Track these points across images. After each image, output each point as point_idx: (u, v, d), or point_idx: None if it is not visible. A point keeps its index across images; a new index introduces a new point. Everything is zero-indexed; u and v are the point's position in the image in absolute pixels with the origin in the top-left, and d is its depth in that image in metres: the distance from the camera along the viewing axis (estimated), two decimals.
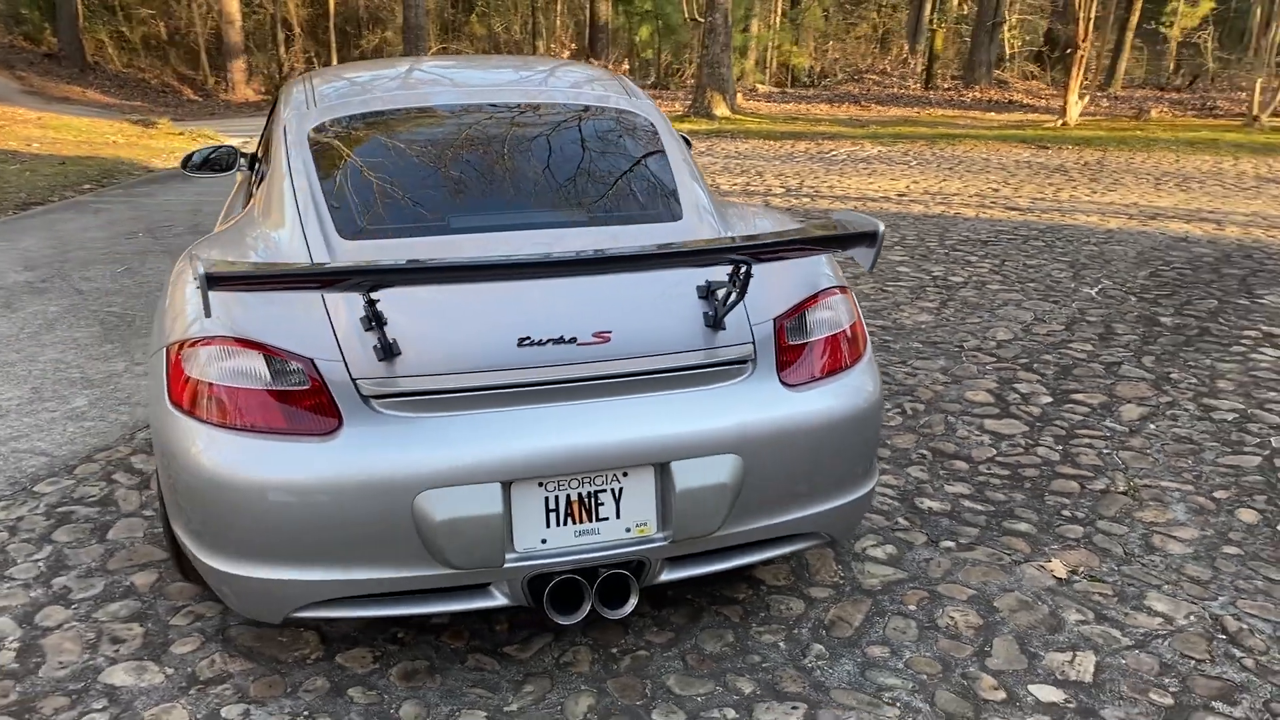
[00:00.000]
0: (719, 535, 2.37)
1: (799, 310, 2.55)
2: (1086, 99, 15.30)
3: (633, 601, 2.35)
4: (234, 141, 9.14)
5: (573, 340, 2.33)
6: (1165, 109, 18.23)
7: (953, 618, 2.72)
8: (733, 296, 2.40)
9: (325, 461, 2.16)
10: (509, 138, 3.09)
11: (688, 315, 2.46)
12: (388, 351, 2.25)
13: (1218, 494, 3.41)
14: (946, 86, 22.96)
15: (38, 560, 2.98)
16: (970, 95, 21.55)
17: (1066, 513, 3.28)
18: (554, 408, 2.27)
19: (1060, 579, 2.90)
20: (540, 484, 2.24)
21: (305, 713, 2.35)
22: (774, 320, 2.51)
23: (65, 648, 2.58)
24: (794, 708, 2.37)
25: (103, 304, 5.59)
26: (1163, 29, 25.04)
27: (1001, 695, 2.42)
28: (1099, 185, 9.71)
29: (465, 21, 33.19)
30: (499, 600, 2.33)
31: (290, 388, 2.24)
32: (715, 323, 2.43)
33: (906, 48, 26.56)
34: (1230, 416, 4.04)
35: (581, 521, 2.28)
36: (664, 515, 2.32)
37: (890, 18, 31.46)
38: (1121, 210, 8.37)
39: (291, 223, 2.70)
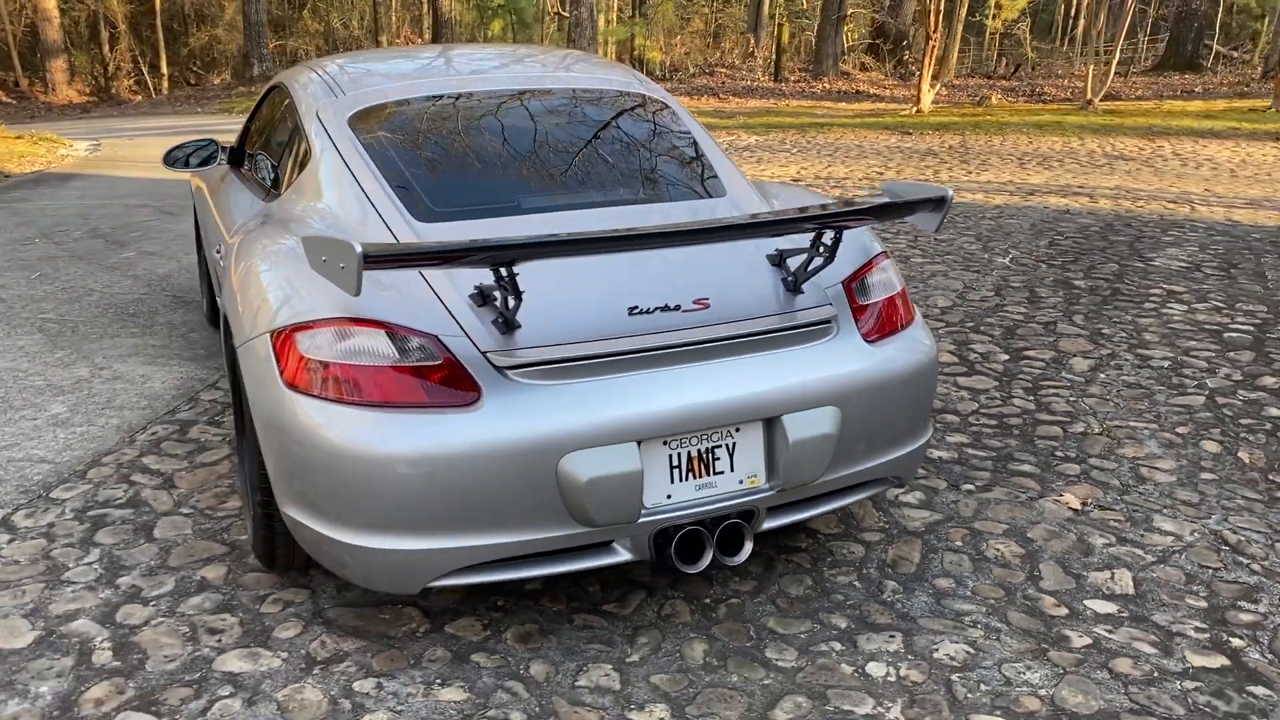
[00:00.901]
0: (819, 482, 2.56)
1: (860, 274, 2.76)
2: (939, 87, 16.16)
3: (748, 548, 2.51)
4: (211, 137, 8.70)
5: (677, 307, 2.48)
6: (1000, 96, 19.39)
7: (998, 549, 2.98)
8: (816, 261, 2.58)
9: (471, 431, 2.24)
10: (548, 121, 3.19)
11: (769, 281, 2.63)
12: (509, 325, 2.34)
13: (1180, 430, 3.80)
14: (795, 79, 23.75)
15: (90, 563, 2.91)
16: (820, 86, 22.36)
17: (1060, 454, 3.61)
18: (672, 370, 2.40)
19: (1076, 510, 3.21)
20: (665, 443, 2.37)
21: (437, 680, 2.41)
22: (842, 284, 2.71)
23: (164, 642, 2.55)
24: (891, 636, 2.58)
25: (34, 311, 5.34)
26: (985, 21, 26.53)
27: (1064, 611, 2.69)
28: (970, 166, 10.33)
29: (297, 18, 32.22)
30: (622, 556, 2.44)
31: (421, 363, 2.30)
32: (795, 287, 2.61)
33: (754, 41, 27.29)
34: (1165, 364, 4.49)
35: (700, 476, 2.42)
36: (771, 466, 2.48)
37: (721, 12, 32.18)
38: (1000, 188, 8.96)
39: (362, 208, 2.74)
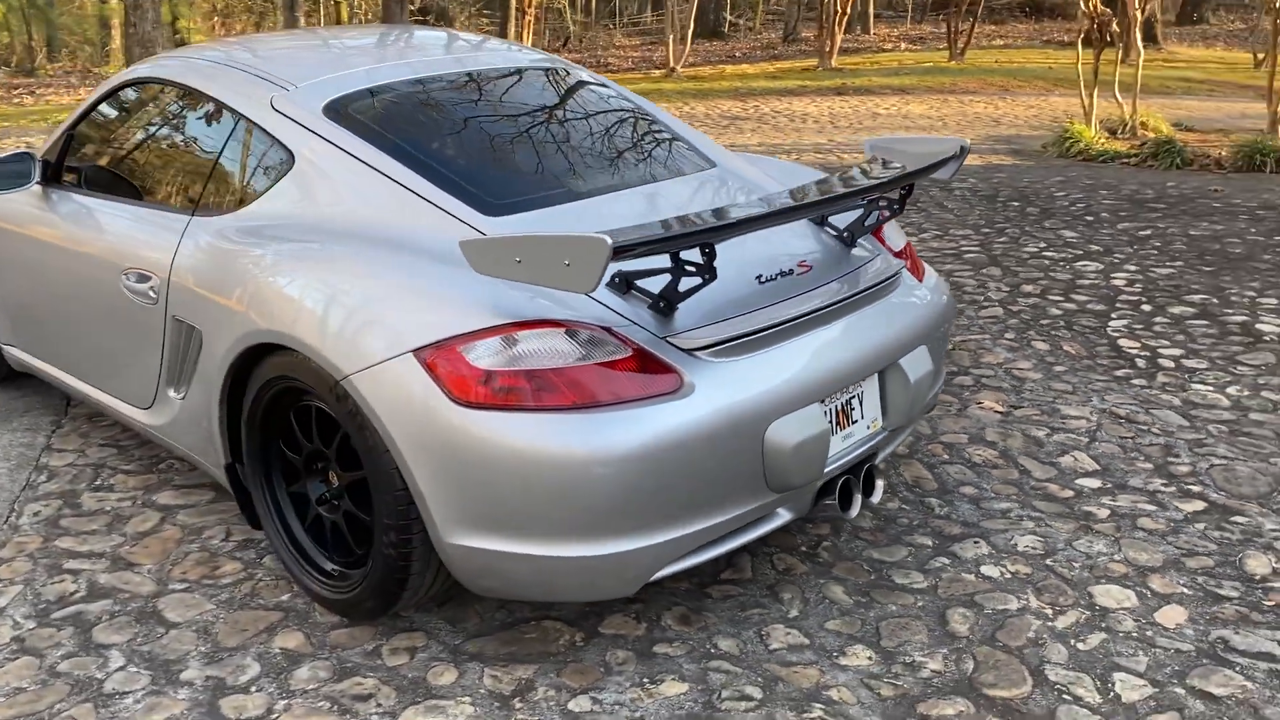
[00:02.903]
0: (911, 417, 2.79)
1: (881, 228, 3.00)
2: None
3: (881, 483, 2.68)
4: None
5: (790, 272, 2.58)
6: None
7: (979, 455, 3.40)
8: (874, 218, 2.80)
9: (685, 416, 2.20)
10: (533, 104, 3.10)
11: (831, 241, 2.80)
12: (670, 307, 2.32)
13: (1008, 336, 4.49)
14: None
15: (122, 668, 2.41)
16: None
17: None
18: (820, 332, 2.50)
19: (1002, 413, 3.73)
20: (823, 401, 2.48)
21: (645, 680, 2.35)
22: (875, 237, 2.95)
23: None
24: (976, 542, 2.89)
25: None
26: None
27: (1070, 493, 3.16)
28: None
29: None
30: (784, 518, 2.52)
31: (613, 356, 2.21)
32: (852, 243, 2.81)
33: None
34: None
35: (844, 427, 2.56)
36: (885, 409, 2.67)
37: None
38: (843, 148, 9.52)
39: (414, 210, 2.52)
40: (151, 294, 2.83)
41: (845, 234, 2.80)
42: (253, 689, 2.34)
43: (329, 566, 2.57)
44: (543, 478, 2.14)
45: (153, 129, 3.19)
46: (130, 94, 3.28)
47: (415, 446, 2.20)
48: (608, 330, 2.25)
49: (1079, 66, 9.52)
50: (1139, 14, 9.49)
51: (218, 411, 2.66)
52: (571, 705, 2.27)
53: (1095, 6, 9.12)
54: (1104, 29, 9.09)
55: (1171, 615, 2.57)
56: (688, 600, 2.64)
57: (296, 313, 2.38)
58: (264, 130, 2.78)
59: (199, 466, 2.97)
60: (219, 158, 2.89)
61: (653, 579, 2.29)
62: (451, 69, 3.12)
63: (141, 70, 3.24)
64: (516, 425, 2.14)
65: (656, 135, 3.17)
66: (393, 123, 2.80)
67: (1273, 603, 2.62)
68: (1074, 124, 9.16)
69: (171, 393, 2.93)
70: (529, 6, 14.18)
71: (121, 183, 3.20)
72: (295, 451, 2.60)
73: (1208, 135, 9.77)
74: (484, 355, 2.18)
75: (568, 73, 3.36)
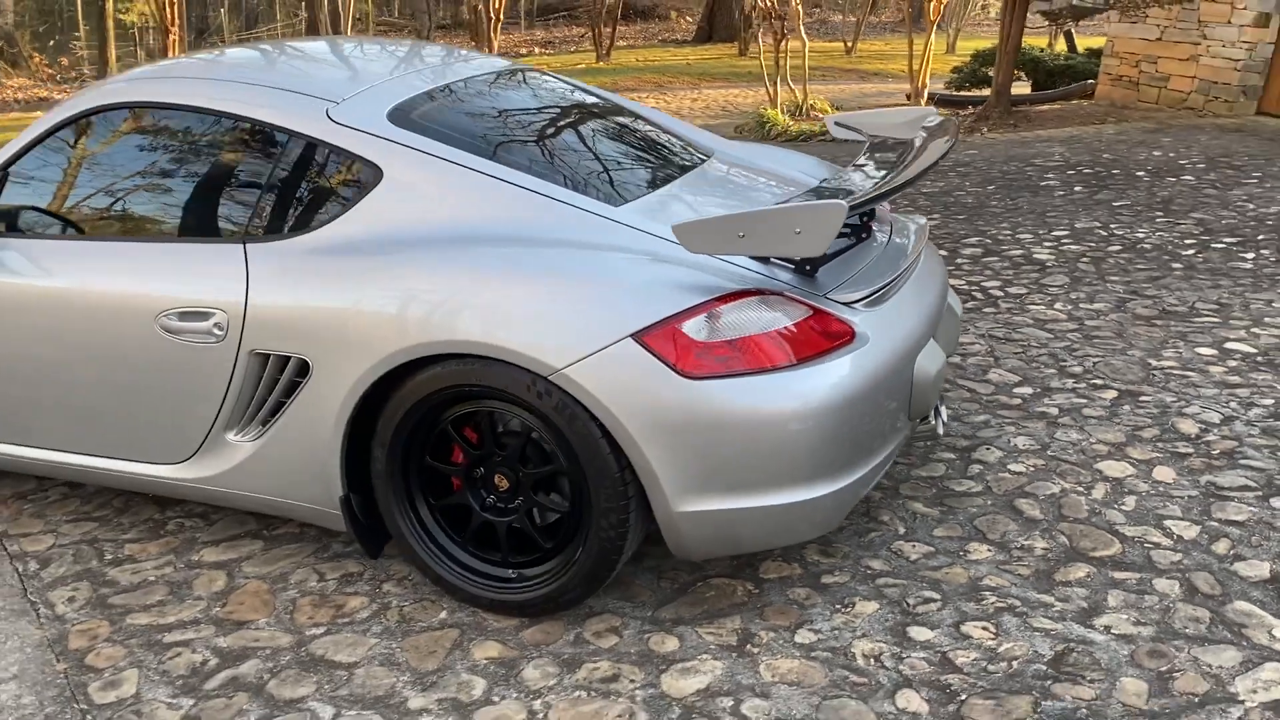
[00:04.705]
0: None
1: None
2: None
3: (944, 410, 3.08)
4: None
5: (872, 231, 2.91)
6: None
7: None
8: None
9: (869, 361, 2.47)
10: (549, 106, 3.19)
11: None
12: (815, 268, 2.59)
13: None
14: None
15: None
16: None
17: None
18: (916, 278, 2.84)
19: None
20: (935, 335, 2.83)
21: (839, 606, 2.60)
22: None
23: (600, 710, 2.27)
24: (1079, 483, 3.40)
25: None
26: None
27: (1195, 429, 3.77)
28: None
29: None
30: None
31: (805, 317, 2.43)
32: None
33: None
34: None
35: None
36: (942, 340, 3.08)
37: None
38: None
39: (544, 210, 2.59)
40: (217, 331, 2.63)
41: None
42: (495, 699, 2.32)
43: (509, 573, 2.56)
44: (766, 434, 2.33)
45: (149, 158, 2.89)
46: (94, 124, 2.95)
47: (645, 424, 2.30)
48: (780, 294, 2.46)
49: (762, 60, 10.56)
50: (800, 10, 10.68)
51: (338, 440, 2.55)
52: (797, 638, 2.48)
53: (771, 5, 10.16)
54: (781, 25, 10.15)
55: (1163, 474, 3.20)
56: (797, 550, 2.90)
57: (479, 318, 2.36)
58: (329, 145, 2.67)
59: (268, 511, 2.79)
60: (271, 179, 2.72)
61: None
62: (471, 73, 3.13)
63: (111, 96, 2.91)
64: (739, 389, 2.31)
65: (664, 133, 3.34)
66: (462, 126, 2.80)
67: (1218, 450, 3.33)
68: (766, 110, 10.16)
69: (231, 436, 2.73)
70: (170, 25, 13.20)
71: (107, 221, 2.89)
72: (444, 463, 2.56)
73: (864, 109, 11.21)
74: (700, 329, 2.32)
75: (541, 74, 3.46)
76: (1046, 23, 10.96)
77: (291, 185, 2.71)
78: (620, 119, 3.28)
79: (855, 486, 2.48)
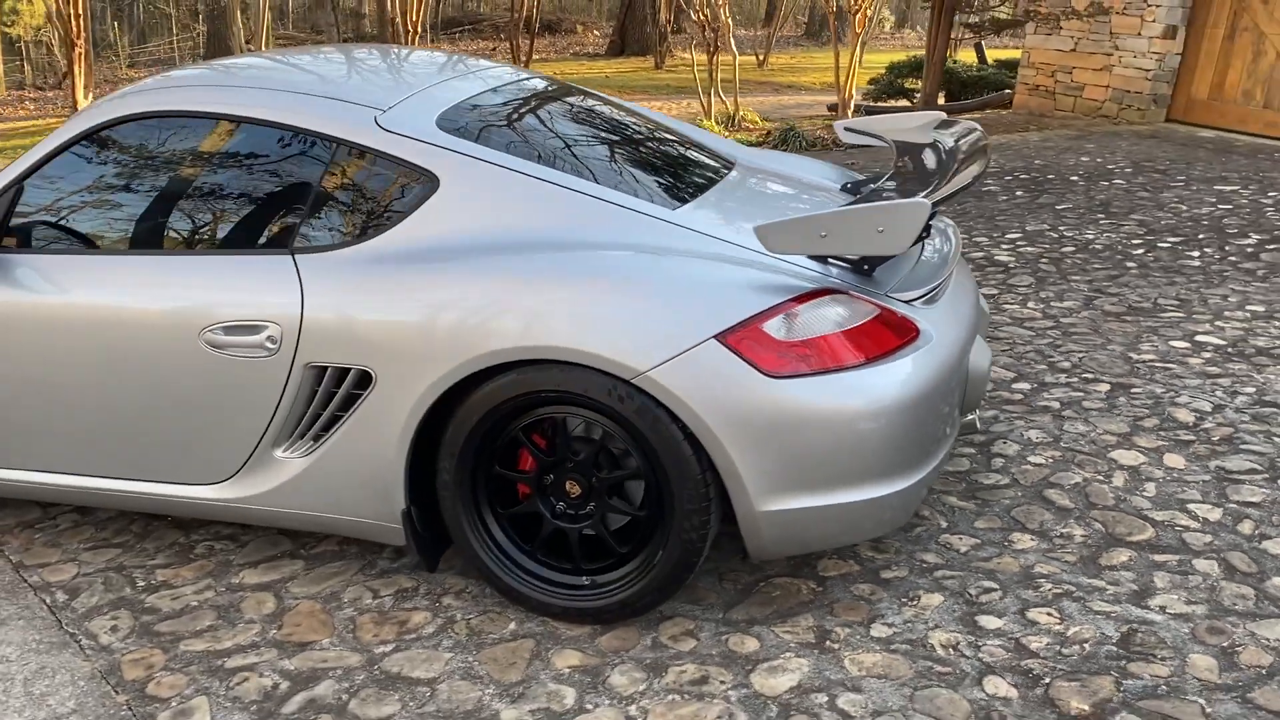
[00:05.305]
0: None
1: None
2: None
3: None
4: None
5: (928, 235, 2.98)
6: None
7: None
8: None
9: (936, 356, 2.53)
10: (575, 112, 3.18)
11: None
12: (872, 267, 2.65)
13: None
14: None
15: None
16: None
17: None
18: (958, 276, 2.92)
19: None
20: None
21: (905, 600, 2.65)
22: None
23: (718, 712, 2.27)
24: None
25: None
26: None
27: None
28: None
29: None
30: None
31: (872, 316, 2.48)
32: None
33: None
34: None
35: None
36: None
37: None
38: None
39: (606, 214, 2.59)
40: (269, 344, 2.56)
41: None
42: (589, 706, 2.30)
43: (583, 580, 2.55)
44: (844, 432, 2.36)
45: (182, 169, 2.79)
46: (122, 133, 2.83)
47: (731, 425, 2.31)
48: (846, 293, 2.51)
49: (695, 72, 10.67)
50: (730, 24, 10.83)
51: (404, 452, 2.51)
52: (873, 632, 2.52)
53: (705, 18, 10.27)
54: (715, 38, 10.27)
55: (1173, 460, 3.35)
56: (856, 550, 2.94)
57: (562, 324, 2.34)
58: (380, 152, 2.62)
59: (314, 528, 2.73)
60: (319, 188, 2.66)
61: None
62: (496, 81, 3.11)
63: (138, 105, 2.81)
64: (818, 388, 2.34)
65: (682, 136, 3.37)
66: (507, 133, 2.78)
67: (1218, 436, 3.50)
68: (702, 121, 10.27)
69: (279, 452, 2.66)
70: (76, 38, 12.72)
71: (138, 235, 2.78)
72: (510, 470, 2.54)
73: (792, 120, 11.41)
74: (779, 328, 2.35)
75: (557, 82, 3.46)
76: (969, 35, 11.33)
77: (341, 194, 2.65)
78: (647, 125, 3.30)
79: (921, 485, 2.53)
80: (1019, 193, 7.21)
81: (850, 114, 10.73)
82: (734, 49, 10.82)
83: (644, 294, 2.39)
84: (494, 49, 23.80)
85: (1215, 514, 3.01)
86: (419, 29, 14.69)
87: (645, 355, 2.31)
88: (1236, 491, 3.12)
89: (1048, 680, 2.34)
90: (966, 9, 9.78)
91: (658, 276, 2.42)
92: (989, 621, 2.55)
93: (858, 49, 10.28)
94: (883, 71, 13.71)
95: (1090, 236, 6.06)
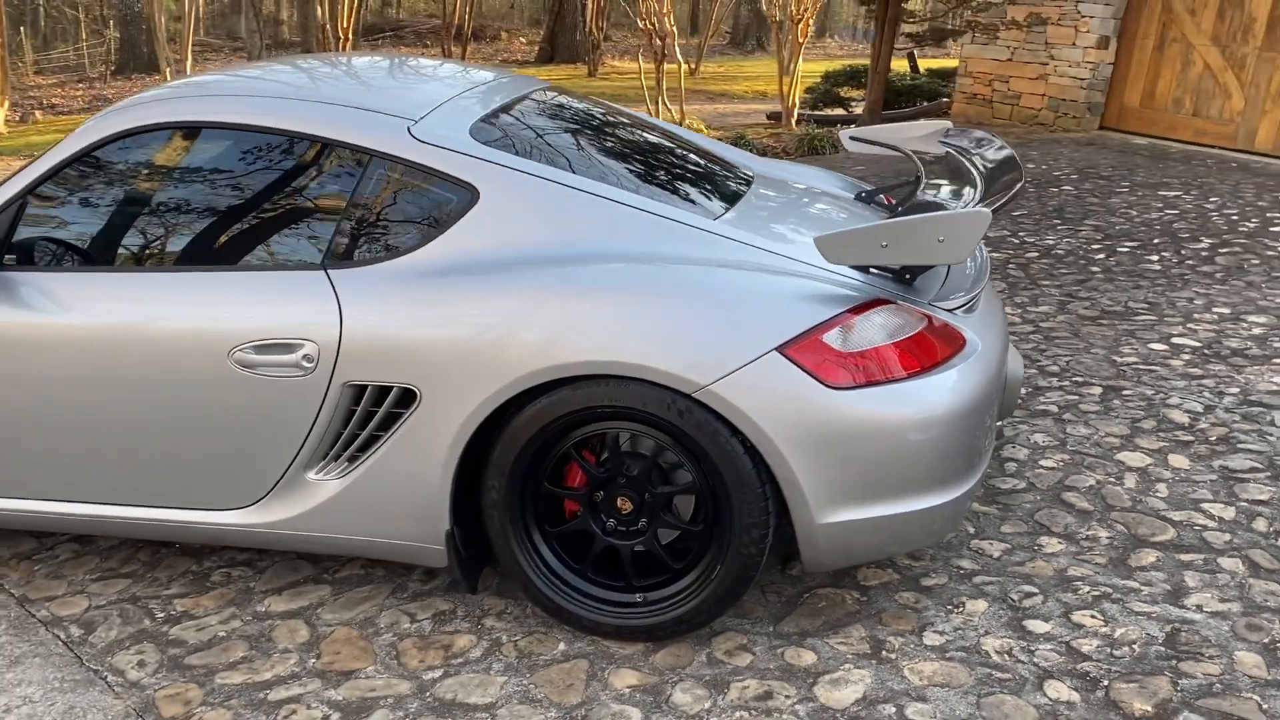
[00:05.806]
0: None
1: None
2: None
3: None
4: None
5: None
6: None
7: None
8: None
9: (985, 364, 2.55)
10: (620, 130, 3.15)
11: None
12: (912, 276, 2.66)
13: None
14: None
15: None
16: None
17: None
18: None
19: None
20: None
21: (951, 608, 2.66)
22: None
23: None
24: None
25: None
26: None
27: None
28: None
29: None
30: None
31: (924, 327, 2.49)
32: None
33: None
34: None
35: None
36: None
37: None
38: None
39: (648, 227, 2.56)
40: (305, 363, 2.47)
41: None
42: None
43: (635, 597, 2.50)
44: (901, 443, 2.36)
45: (204, 182, 2.68)
46: (136, 146, 2.71)
47: (793, 437, 2.30)
48: (894, 303, 2.51)
49: (642, 80, 10.67)
50: (674, 32, 10.86)
51: (450, 472, 2.44)
52: (925, 640, 2.53)
53: (652, 26, 10.27)
54: (662, 46, 10.28)
55: (1178, 461, 3.43)
56: (898, 573, 2.95)
57: (620, 338, 2.30)
58: (414, 164, 2.55)
59: (347, 552, 2.64)
60: (352, 201, 2.57)
61: None
62: (520, 91, 3.06)
63: (151, 116, 2.68)
64: (876, 399, 2.34)
65: (706, 155, 3.33)
66: (541, 143, 2.73)
67: (1215, 436, 3.59)
68: None
69: (312, 475, 2.57)
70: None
71: (159, 251, 2.66)
72: (558, 487, 2.49)
73: (735, 128, 11.48)
74: (838, 339, 2.34)
75: (568, 93, 3.41)
76: (907, 43, 11.54)
77: (375, 207, 2.58)
78: (667, 136, 3.28)
79: (969, 495, 2.54)
80: None
81: (794, 123, 10.84)
82: (680, 58, 10.85)
83: (701, 306, 2.36)
84: (422, 56, 23.50)
85: (1229, 513, 3.08)
86: (349, 36, 14.43)
87: (707, 369, 2.28)
88: (1244, 490, 3.21)
89: (1106, 683, 2.37)
90: (909, 19, 9.94)
91: (713, 288, 2.39)
92: (1037, 626, 2.58)
93: (799, 58, 10.40)
94: (818, 80, 13.88)
95: (1051, 242, 6.20)
